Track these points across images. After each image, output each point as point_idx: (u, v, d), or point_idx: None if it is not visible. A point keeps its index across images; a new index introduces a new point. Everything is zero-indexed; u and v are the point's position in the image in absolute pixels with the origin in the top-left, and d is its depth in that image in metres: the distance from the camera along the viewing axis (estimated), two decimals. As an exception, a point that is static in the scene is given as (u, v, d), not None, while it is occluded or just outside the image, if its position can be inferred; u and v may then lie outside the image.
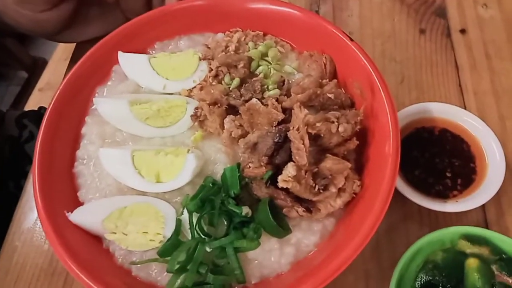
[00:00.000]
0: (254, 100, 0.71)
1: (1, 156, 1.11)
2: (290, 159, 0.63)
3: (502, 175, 0.73)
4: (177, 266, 0.62)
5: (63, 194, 0.72)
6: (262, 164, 0.65)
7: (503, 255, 0.65)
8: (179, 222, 0.65)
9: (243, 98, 0.74)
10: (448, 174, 0.77)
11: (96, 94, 0.83)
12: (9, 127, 1.18)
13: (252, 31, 0.85)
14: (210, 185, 0.67)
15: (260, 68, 0.80)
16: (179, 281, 0.62)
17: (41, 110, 1.27)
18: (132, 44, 0.84)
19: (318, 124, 0.63)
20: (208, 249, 0.63)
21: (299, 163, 0.62)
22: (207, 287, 0.61)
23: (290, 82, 0.77)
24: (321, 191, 0.63)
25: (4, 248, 0.82)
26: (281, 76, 0.77)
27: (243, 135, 0.70)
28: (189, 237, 0.65)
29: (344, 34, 0.74)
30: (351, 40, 0.73)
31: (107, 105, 0.76)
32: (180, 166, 0.68)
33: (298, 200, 0.64)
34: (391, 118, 0.65)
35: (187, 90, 0.79)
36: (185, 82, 0.80)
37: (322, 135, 0.64)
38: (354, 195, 0.65)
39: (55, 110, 0.76)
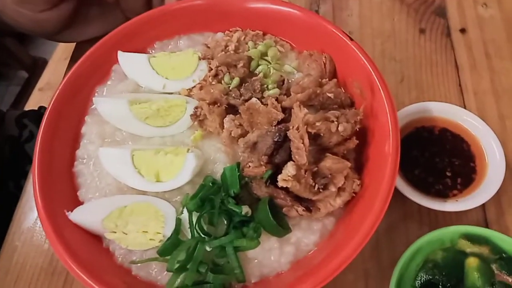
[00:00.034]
0: (253, 99, 0.71)
1: (1, 156, 1.11)
2: (289, 158, 0.63)
3: (502, 175, 0.73)
4: (177, 265, 0.62)
5: (63, 193, 0.72)
6: (261, 163, 0.65)
7: (503, 254, 0.65)
8: (179, 221, 0.65)
9: (242, 97, 0.74)
10: (448, 174, 0.77)
11: (96, 94, 0.83)
12: (9, 127, 1.18)
13: (252, 30, 0.85)
14: (210, 184, 0.67)
15: (260, 67, 0.80)
16: (179, 280, 0.62)
17: (41, 109, 1.27)
18: (131, 43, 0.84)
19: (317, 124, 0.63)
20: (208, 248, 0.63)
21: (299, 162, 0.62)
22: (207, 286, 0.61)
23: (289, 81, 0.78)
24: (320, 190, 0.63)
25: (4, 247, 0.82)
26: (281, 76, 0.77)
27: (243, 135, 0.70)
28: (189, 236, 0.65)
29: (344, 34, 0.74)
30: (351, 39, 0.73)
31: (107, 104, 0.76)
32: (179, 166, 0.68)
33: (298, 199, 0.64)
34: (390, 117, 0.65)
35: (187, 90, 0.79)
36: (184, 81, 0.80)
37: (321, 134, 0.64)
38: (354, 195, 0.65)
39: (55, 109, 0.76)
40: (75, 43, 1.04)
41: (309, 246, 0.65)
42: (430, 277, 0.65)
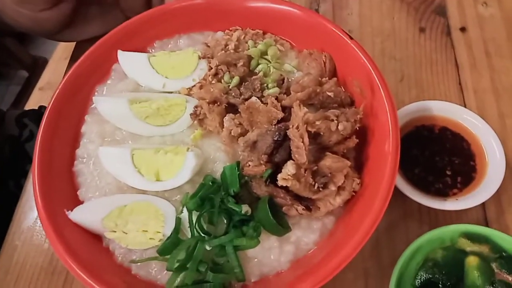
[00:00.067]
0: (253, 98, 0.71)
1: (1, 156, 1.11)
2: (289, 157, 0.63)
3: (502, 173, 0.73)
4: (176, 265, 0.62)
5: (63, 193, 0.72)
6: (261, 162, 0.65)
7: (503, 253, 0.65)
8: (178, 221, 0.65)
9: (242, 96, 0.74)
10: (448, 172, 0.77)
11: (96, 93, 0.83)
12: (9, 126, 1.18)
13: (252, 29, 0.85)
14: (210, 183, 0.67)
15: (260, 66, 0.80)
16: (178, 279, 0.62)
17: (41, 109, 1.27)
18: (131, 42, 0.84)
19: (317, 123, 0.63)
20: (207, 248, 0.63)
21: (299, 161, 0.62)
22: (206, 285, 0.61)
23: (289, 80, 0.77)
24: (320, 189, 0.63)
25: (4, 247, 0.82)
26: (281, 75, 0.77)
27: (243, 134, 0.70)
28: (189, 235, 0.65)
29: (344, 33, 0.74)
30: (351, 38, 0.73)
31: (107, 103, 0.76)
32: (179, 165, 0.68)
33: (298, 198, 0.64)
34: (390, 116, 0.65)
35: (187, 89, 0.79)
36: (184, 80, 0.80)
37: (321, 133, 0.64)
38: (354, 193, 0.65)
39: (55, 109, 0.76)
40: (75, 42, 1.04)
41: (309, 245, 0.65)
42: (430, 276, 0.65)
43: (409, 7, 1.04)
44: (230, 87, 0.77)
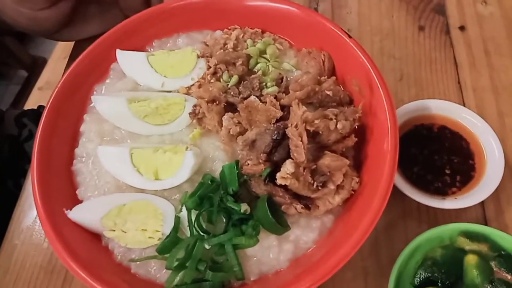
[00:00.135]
0: (252, 97, 0.71)
1: (0, 155, 1.11)
2: (288, 156, 0.63)
3: (501, 172, 0.73)
4: (176, 263, 0.62)
5: (62, 192, 0.72)
6: (260, 161, 0.65)
7: (502, 252, 0.65)
8: (178, 219, 0.65)
9: (241, 95, 0.74)
10: (447, 171, 0.77)
11: (95, 92, 0.83)
12: (9, 126, 1.18)
13: (251, 28, 0.85)
14: (209, 182, 0.67)
15: (259, 65, 0.80)
16: (178, 278, 0.62)
17: (41, 109, 1.27)
18: (130, 41, 0.84)
19: (316, 121, 0.63)
20: (207, 246, 0.63)
21: (298, 160, 0.62)
22: (206, 284, 0.62)
23: (288, 79, 0.77)
24: (319, 188, 0.63)
25: (4, 246, 0.82)
26: (280, 74, 0.77)
27: (242, 133, 0.70)
28: (188, 234, 0.65)
29: (343, 31, 0.74)
30: (350, 37, 0.73)
31: (106, 103, 0.76)
32: (178, 164, 0.68)
33: (297, 197, 0.64)
34: (389, 115, 0.65)
35: (186, 88, 0.79)
36: (183, 79, 0.80)
37: (320, 132, 0.64)
38: (353, 192, 0.65)
39: (54, 108, 0.76)
40: (74, 41, 1.04)
41: (308, 244, 0.65)
42: (429, 274, 0.65)
43: (408, 6, 1.04)
44: (229, 86, 0.77)
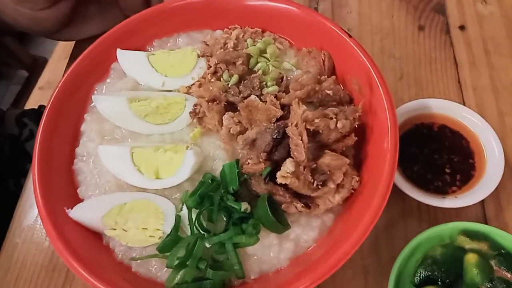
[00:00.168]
0: (252, 96, 0.72)
1: (1, 155, 1.12)
2: (288, 155, 0.64)
3: (501, 171, 0.73)
4: (176, 262, 0.62)
5: (63, 191, 0.72)
6: (260, 160, 0.65)
7: (502, 250, 0.65)
8: (178, 218, 0.66)
9: (241, 94, 0.74)
10: (447, 170, 0.77)
11: (95, 92, 0.83)
12: (9, 125, 1.18)
13: (251, 28, 0.85)
14: (209, 181, 0.67)
15: (259, 65, 0.80)
16: (178, 276, 0.62)
17: (41, 108, 1.28)
18: (130, 41, 0.84)
19: (316, 120, 0.63)
20: (207, 245, 0.63)
21: (298, 159, 0.62)
22: (206, 282, 0.62)
23: (288, 78, 0.77)
24: (319, 187, 0.63)
25: (5, 245, 0.82)
26: (280, 73, 0.77)
27: (242, 132, 0.70)
28: (189, 233, 0.65)
29: (343, 31, 0.74)
30: (350, 36, 0.73)
31: (106, 102, 0.76)
32: (179, 163, 0.68)
33: (297, 196, 0.65)
34: (389, 114, 0.65)
35: (186, 87, 0.79)
36: (183, 79, 0.80)
37: (320, 131, 0.64)
38: (353, 191, 0.65)
39: (54, 107, 0.76)
40: (74, 41, 1.05)
41: (308, 243, 0.66)
42: (429, 273, 0.65)
43: (408, 5, 1.04)
44: (229, 85, 0.77)
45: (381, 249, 0.74)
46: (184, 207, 0.66)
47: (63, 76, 0.79)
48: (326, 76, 0.75)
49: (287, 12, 0.80)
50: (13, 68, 2.50)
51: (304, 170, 0.62)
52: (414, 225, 0.75)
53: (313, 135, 0.65)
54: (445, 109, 0.81)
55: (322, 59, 0.77)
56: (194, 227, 0.64)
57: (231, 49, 0.80)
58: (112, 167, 0.71)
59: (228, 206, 0.64)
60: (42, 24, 0.89)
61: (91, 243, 0.68)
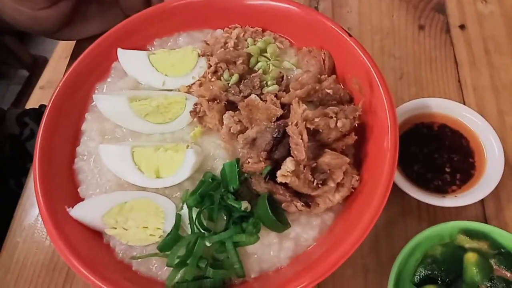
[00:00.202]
0: (253, 96, 0.72)
1: (2, 154, 1.12)
2: (288, 154, 0.64)
3: (501, 170, 0.73)
4: (177, 261, 0.62)
5: (64, 190, 0.72)
6: (261, 159, 0.65)
7: (501, 250, 0.65)
8: (178, 217, 0.66)
9: (242, 94, 0.74)
10: (447, 169, 0.77)
11: (96, 91, 0.83)
12: (10, 125, 1.18)
13: (251, 27, 0.85)
14: (210, 180, 0.67)
15: (259, 64, 0.80)
16: (179, 275, 0.63)
17: (42, 108, 1.28)
18: (131, 41, 0.84)
19: (316, 119, 0.63)
20: (207, 244, 0.63)
21: (298, 158, 0.62)
22: (207, 281, 0.62)
23: (289, 78, 0.78)
24: (319, 185, 0.63)
25: (6, 244, 0.83)
26: (280, 72, 0.77)
27: (242, 131, 0.70)
28: (189, 231, 0.65)
29: (343, 30, 0.74)
30: (350, 36, 0.73)
31: (107, 101, 0.76)
32: (179, 162, 0.68)
33: (297, 195, 0.65)
34: (389, 113, 0.65)
35: (186, 87, 0.79)
36: (184, 78, 0.80)
37: (320, 130, 0.64)
38: (353, 190, 0.66)
39: (55, 107, 0.76)
40: (75, 41, 1.05)
41: (308, 241, 0.66)
42: (429, 272, 0.65)
43: (408, 5, 1.04)
44: (229, 84, 0.77)
45: (381, 248, 0.74)
46: (185, 206, 0.66)
47: (63, 75, 0.79)
48: (326, 75, 0.75)
49: (287, 11, 0.80)
50: (14, 68, 2.51)
51: (304, 169, 0.62)
52: (414, 224, 0.76)
53: (313, 134, 0.65)
54: (445, 108, 0.82)
55: (322, 58, 0.77)
56: (195, 226, 0.64)
57: (231, 49, 0.80)
58: (112, 166, 0.71)
59: (228, 205, 0.64)
60: (43, 23, 0.90)
61: (91, 242, 0.69)
